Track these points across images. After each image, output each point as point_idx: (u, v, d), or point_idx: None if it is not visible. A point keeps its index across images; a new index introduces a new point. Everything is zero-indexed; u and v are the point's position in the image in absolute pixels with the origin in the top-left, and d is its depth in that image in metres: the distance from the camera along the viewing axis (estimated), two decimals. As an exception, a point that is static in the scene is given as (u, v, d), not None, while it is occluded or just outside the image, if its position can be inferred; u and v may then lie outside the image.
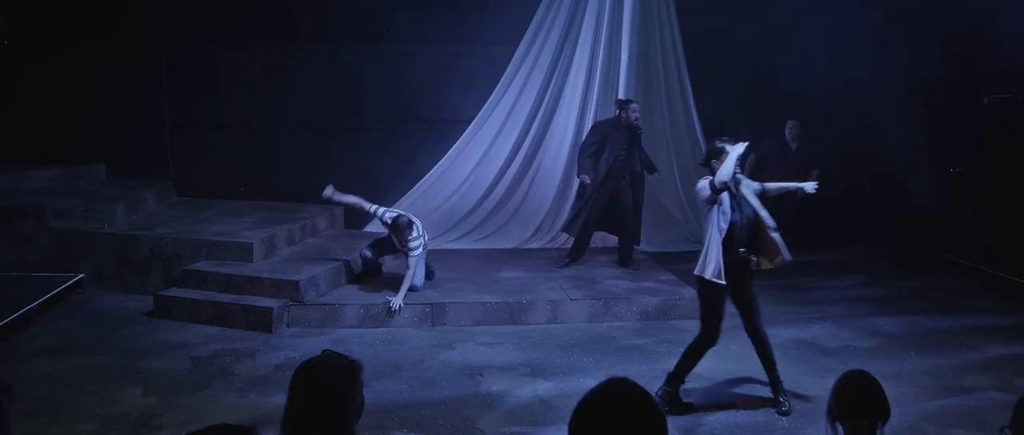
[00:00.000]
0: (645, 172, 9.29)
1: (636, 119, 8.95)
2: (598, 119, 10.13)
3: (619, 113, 9.03)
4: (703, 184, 5.47)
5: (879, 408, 3.05)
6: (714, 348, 6.98)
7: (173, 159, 10.63)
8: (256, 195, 10.28)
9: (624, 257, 9.25)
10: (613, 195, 9.03)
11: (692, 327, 7.55)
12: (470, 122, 10.40)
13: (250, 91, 10.42)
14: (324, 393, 2.66)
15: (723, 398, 5.97)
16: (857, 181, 10.43)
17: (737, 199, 5.57)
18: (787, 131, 9.18)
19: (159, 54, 10.43)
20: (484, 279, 8.55)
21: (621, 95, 10.51)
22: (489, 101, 10.49)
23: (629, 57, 10.45)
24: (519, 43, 10.49)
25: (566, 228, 9.40)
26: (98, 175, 10.38)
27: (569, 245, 10.02)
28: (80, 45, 10.07)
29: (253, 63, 10.51)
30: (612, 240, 10.34)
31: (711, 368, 6.55)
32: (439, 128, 10.46)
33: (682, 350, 6.94)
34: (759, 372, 6.47)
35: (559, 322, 7.72)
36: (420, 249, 7.80)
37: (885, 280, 9.30)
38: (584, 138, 9.42)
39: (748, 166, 9.51)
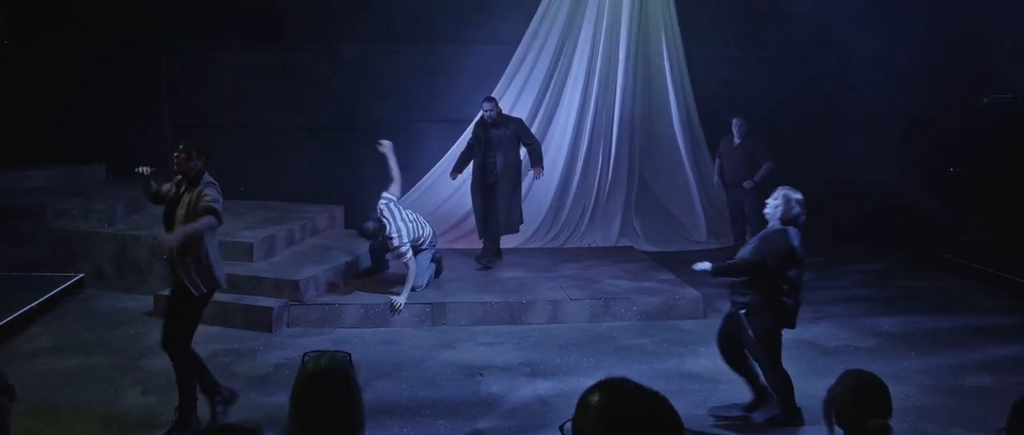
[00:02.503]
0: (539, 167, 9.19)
1: (488, 116, 8.78)
2: (595, 120, 10.15)
3: None
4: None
5: (889, 405, 3.04)
6: (712, 348, 7.01)
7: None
8: (256, 195, 10.28)
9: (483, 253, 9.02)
10: (485, 191, 8.95)
11: (693, 327, 7.62)
12: (470, 122, 10.40)
13: (250, 91, 10.41)
14: (329, 410, 2.60)
15: (723, 397, 5.96)
16: (854, 180, 10.43)
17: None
18: (733, 127, 9.51)
19: (160, 53, 10.44)
20: (484, 279, 8.55)
21: (619, 94, 10.52)
22: (488, 101, 10.49)
23: (627, 56, 10.45)
24: (519, 43, 10.49)
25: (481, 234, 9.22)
26: (98, 175, 10.38)
27: (568, 245, 10.05)
28: (80, 45, 10.07)
29: (253, 63, 10.50)
30: (609, 240, 10.37)
31: (711, 368, 6.55)
32: (439, 128, 10.46)
33: (682, 350, 6.99)
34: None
35: (559, 322, 7.71)
36: (406, 246, 7.76)
37: (885, 280, 9.30)
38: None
39: (716, 167, 9.89)
